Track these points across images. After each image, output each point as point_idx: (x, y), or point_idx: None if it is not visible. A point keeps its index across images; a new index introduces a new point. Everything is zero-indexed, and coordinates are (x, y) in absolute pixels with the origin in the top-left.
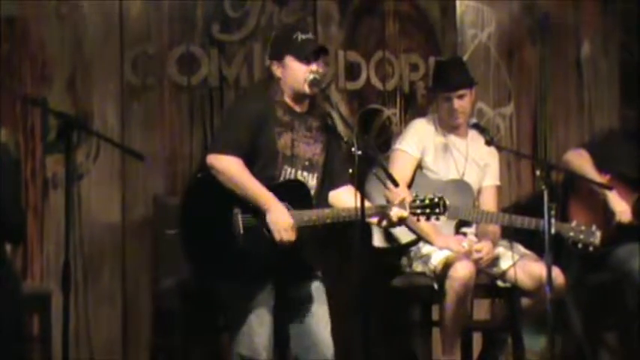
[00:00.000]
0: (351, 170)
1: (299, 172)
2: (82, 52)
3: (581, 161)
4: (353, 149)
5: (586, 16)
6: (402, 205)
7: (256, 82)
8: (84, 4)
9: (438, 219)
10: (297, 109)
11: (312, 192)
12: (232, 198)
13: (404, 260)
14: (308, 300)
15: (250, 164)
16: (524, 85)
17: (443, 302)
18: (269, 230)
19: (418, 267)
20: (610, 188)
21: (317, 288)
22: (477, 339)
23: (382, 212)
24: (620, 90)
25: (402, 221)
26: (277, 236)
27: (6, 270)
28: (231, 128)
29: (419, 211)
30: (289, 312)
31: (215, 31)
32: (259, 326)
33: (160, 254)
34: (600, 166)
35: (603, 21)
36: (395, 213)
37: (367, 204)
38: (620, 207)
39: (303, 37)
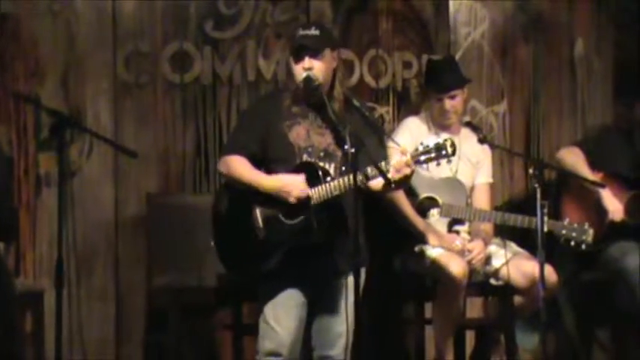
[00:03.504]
0: (344, 168)
1: (314, 161)
2: (75, 50)
3: (574, 159)
4: (346, 147)
5: (579, 14)
6: (403, 153)
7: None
8: (77, 1)
9: (449, 161)
10: (309, 100)
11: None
12: (250, 195)
13: (397, 258)
14: (333, 297)
15: (271, 162)
16: (518, 83)
17: (436, 300)
18: (286, 217)
19: (412, 265)
20: (603, 186)
21: (345, 284)
22: (469, 337)
23: (382, 170)
24: (613, 88)
25: (405, 169)
26: (291, 199)
27: None
28: (235, 132)
29: (423, 157)
30: (314, 309)
31: (208, 28)
32: (285, 320)
33: (153, 252)
34: (593, 164)
35: (597, 19)
36: (396, 160)
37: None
38: (613, 205)
39: (301, 33)
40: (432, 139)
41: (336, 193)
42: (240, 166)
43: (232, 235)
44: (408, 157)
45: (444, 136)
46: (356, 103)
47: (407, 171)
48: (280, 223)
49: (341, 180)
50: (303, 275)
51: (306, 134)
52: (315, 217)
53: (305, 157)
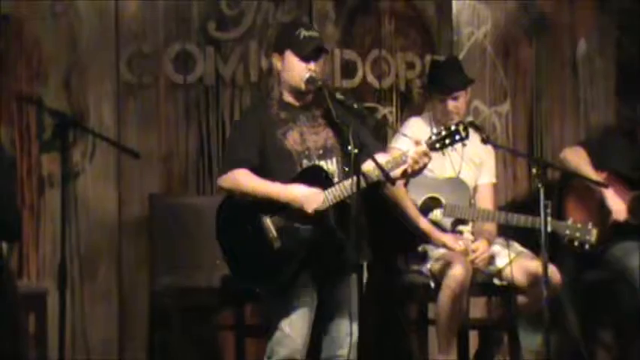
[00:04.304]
0: (347, 168)
1: (316, 162)
2: (78, 51)
3: (577, 159)
4: (349, 147)
5: (582, 14)
6: (418, 143)
7: (253, 95)
8: (79, 2)
9: (464, 145)
10: (298, 103)
11: (335, 176)
12: (257, 207)
13: (400, 258)
14: (341, 296)
15: (270, 172)
16: (520, 83)
17: (439, 301)
18: (301, 223)
19: (415, 265)
20: (606, 186)
21: (354, 282)
22: (473, 337)
23: (402, 160)
24: (615, 88)
25: (423, 158)
26: (308, 209)
27: (2, 269)
28: (232, 146)
29: (438, 145)
30: (323, 309)
31: (211, 29)
32: (299, 326)
33: (156, 252)
34: (597, 164)
35: (599, 19)
36: (413, 151)
37: (385, 159)
38: (617, 205)
39: (306, 34)
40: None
41: (349, 193)
42: (249, 180)
43: (244, 249)
44: (425, 146)
45: None
46: (339, 96)
47: (425, 160)
48: (295, 231)
49: (350, 181)
50: (314, 277)
51: (300, 138)
52: (333, 220)
53: (304, 162)
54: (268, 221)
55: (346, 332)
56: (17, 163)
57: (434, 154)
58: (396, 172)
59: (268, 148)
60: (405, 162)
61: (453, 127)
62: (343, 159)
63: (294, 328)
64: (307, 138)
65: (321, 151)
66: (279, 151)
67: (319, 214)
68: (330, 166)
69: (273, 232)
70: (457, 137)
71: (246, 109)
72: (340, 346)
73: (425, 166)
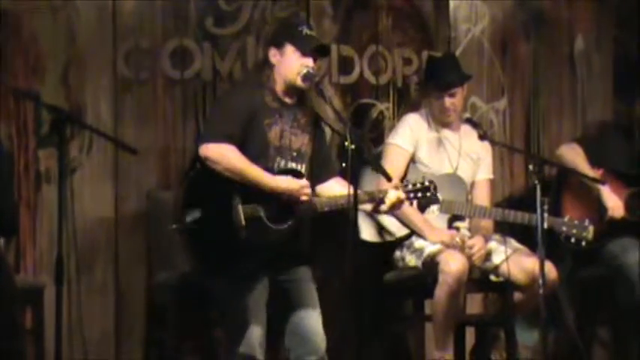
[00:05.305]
0: (344, 164)
1: (288, 163)
2: (75, 46)
3: (574, 156)
4: (346, 143)
5: (579, 10)
6: (397, 188)
7: (247, 75)
8: None
9: (429, 203)
10: (287, 100)
11: None
12: (230, 189)
13: (397, 254)
14: (301, 292)
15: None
16: (518, 79)
17: (436, 297)
18: (273, 222)
19: (411, 261)
20: (603, 183)
21: (307, 277)
22: (469, 333)
23: (377, 198)
24: (613, 85)
25: (399, 204)
26: (303, 197)
27: None
28: (222, 118)
29: (412, 195)
30: (283, 305)
31: (208, 25)
32: (256, 322)
33: (153, 248)
34: (593, 161)
35: (596, 16)
36: (393, 195)
37: (361, 192)
38: (613, 202)
39: (308, 32)
40: (419, 177)
41: (327, 209)
42: (239, 159)
43: (208, 231)
44: (403, 194)
45: (445, 132)
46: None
47: (401, 206)
48: (264, 226)
49: (338, 198)
50: (268, 271)
51: (280, 134)
52: (305, 223)
53: (278, 159)
54: (240, 207)
55: (310, 329)
56: (14, 159)
57: (431, 149)
58: (367, 207)
59: (251, 134)
60: (381, 201)
61: (427, 184)
62: (310, 168)
63: (254, 322)
64: (286, 136)
65: (294, 153)
66: (260, 139)
67: (290, 216)
68: (301, 169)
69: (242, 220)
70: (428, 194)
71: (241, 83)
72: (310, 345)
73: (398, 209)
